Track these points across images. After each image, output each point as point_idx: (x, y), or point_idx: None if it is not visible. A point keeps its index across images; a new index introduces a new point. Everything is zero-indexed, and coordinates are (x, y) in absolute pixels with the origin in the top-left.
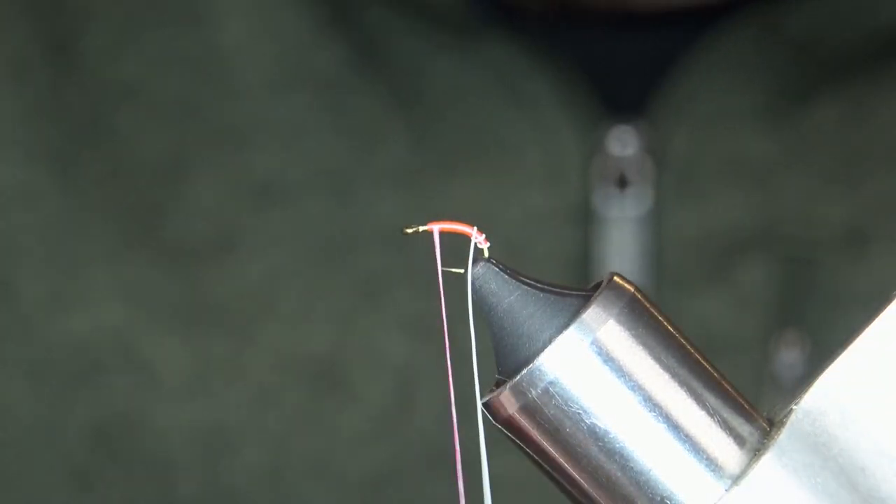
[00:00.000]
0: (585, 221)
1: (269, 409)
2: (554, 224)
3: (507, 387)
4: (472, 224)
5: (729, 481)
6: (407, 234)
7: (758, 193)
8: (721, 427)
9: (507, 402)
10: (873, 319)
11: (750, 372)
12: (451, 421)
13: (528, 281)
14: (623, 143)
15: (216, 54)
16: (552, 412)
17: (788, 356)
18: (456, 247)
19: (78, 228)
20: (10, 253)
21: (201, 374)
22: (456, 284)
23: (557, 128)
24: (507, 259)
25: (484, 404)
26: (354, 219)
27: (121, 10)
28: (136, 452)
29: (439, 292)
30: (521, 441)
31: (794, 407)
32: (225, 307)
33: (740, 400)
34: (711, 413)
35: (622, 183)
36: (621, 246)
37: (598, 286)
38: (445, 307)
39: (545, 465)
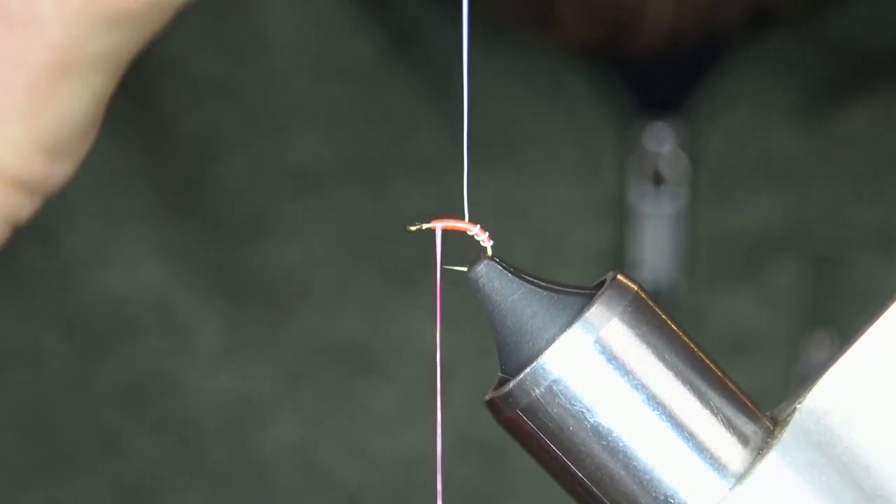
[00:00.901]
0: (620, 217)
1: (300, 386)
2: (588, 220)
3: (511, 385)
4: (477, 222)
5: (732, 480)
6: (411, 231)
7: (791, 193)
8: (724, 426)
9: (511, 400)
10: (877, 318)
11: (778, 371)
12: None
13: (531, 279)
14: (659, 139)
15: (257, 38)
16: (555, 411)
17: (817, 356)
18: (468, 244)
19: (121, 188)
20: (56, 205)
21: (235, 344)
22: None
23: (593, 123)
24: (541, 255)
25: (487, 403)
26: (387, 208)
27: None
28: (164, 415)
29: (438, 291)
30: (524, 440)
31: (798, 406)
32: (259, 285)
33: (744, 398)
34: (715, 412)
35: (657, 180)
36: (655, 242)
37: (601, 284)
38: (462, 303)
39: (549, 464)
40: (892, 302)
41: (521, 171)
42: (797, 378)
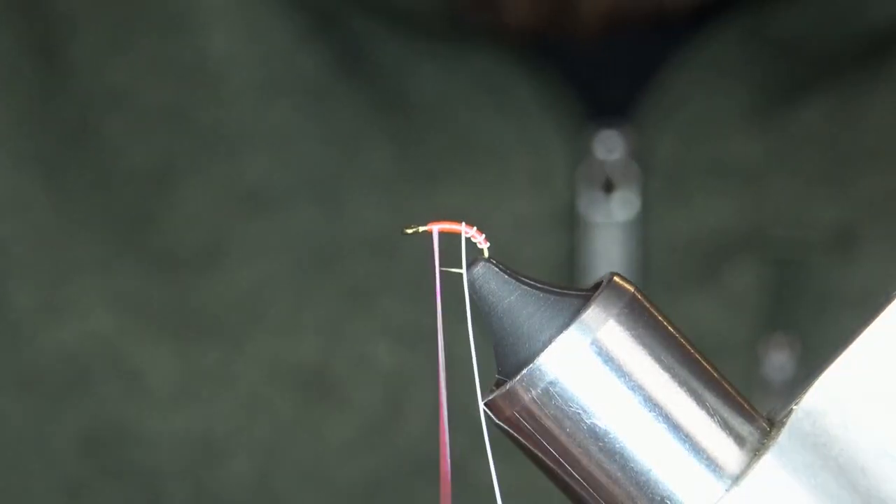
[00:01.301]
0: (572, 226)
1: (258, 417)
2: (540, 229)
3: (508, 387)
4: (471, 225)
5: (729, 481)
6: (407, 233)
7: (745, 196)
8: (721, 427)
9: (508, 402)
10: (873, 319)
11: (740, 375)
12: (441, 425)
13: (528, 281)
14: (609, 147)
15: (203, 62)
16: (552, 412)
17: (778, 358)
18: (457, 247)
19: (68, 237)
20: (2, 261)
21: (190, 382)
22: (455, 287)
23: (543, 133)
24: None
25: (485, 404)
26: (341, 226)
27: (109, 18)
28: (126, 462)
29: (437, 293)
30: (521, 441)
31: (795, 407)
32: (214, 316)
33: (740, 400)
34: (711, 413)
35: (608, 187)
36: (608, 250)
37: (598, 286)
38: (443, 310)
39: (545, 465)
40: (888, 303)
41: (472, 182)
42: (759, 381)
